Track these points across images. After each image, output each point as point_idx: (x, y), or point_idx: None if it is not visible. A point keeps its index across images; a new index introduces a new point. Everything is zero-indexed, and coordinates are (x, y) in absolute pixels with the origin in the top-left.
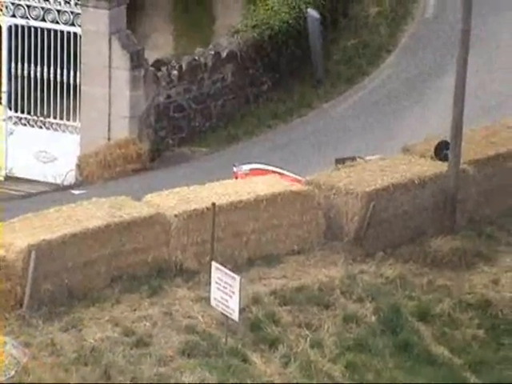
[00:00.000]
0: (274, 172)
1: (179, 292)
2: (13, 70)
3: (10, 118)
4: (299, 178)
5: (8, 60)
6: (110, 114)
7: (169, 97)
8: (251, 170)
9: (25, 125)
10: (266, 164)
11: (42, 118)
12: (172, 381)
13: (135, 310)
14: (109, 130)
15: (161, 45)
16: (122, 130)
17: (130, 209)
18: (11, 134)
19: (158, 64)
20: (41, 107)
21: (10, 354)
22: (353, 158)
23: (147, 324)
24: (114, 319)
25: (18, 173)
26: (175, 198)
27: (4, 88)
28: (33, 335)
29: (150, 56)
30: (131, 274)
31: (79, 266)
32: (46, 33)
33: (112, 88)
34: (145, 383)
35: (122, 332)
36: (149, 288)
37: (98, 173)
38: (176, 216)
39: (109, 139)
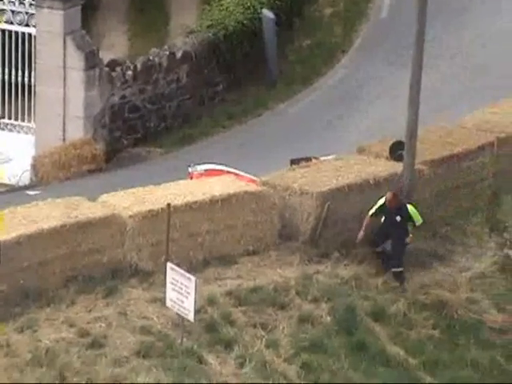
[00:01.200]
0: (229, 172)
1: (134, 293)
2: None
3: None
4: (254, 178)
5: None
6: (64, 115)
7: (123, 97)
8: (206, 170)
9: None
10: (221, 164)
11: None
12: (127, 381)
13: (90, 310)
14: (64, 130)
15: (116, 45)
16: (77, 131)
17: (85, 209)
18: None
19: (112, 64)
20: None
21: None
22: (308, 159)
23: (102, 325)
24: (69, 320)
25: None
26: (130, 198)
27: None
28: None
29: (105, 56)
30: (86, 275)
31: (34, 266)
32: (2, 33)
33: (67, 88)
34: None
35: (77, 333)
36: (104, 289)
37: (53, 173)
38: (131, 217)
39: (64, 140)
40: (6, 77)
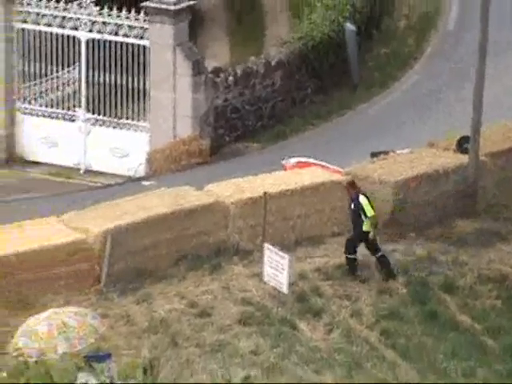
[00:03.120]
0: (316, 164)
1: (236, 269)
2: (90, 78)
3: (89, 119)
4: (339, 169)
5: (86, 69)
6: (175, 115)
7: (226, 100)
8: (297, 162)
9: (101, 125)
10: (310, 157)
11: (115, 119)
12: (231, 346)
13: (198, 285)
14: (174, 128)
15: (218, 54)
16: (186, 129)
17: (192, 197)
18: (89, 133)
19: (216, 71)
20: (115, 110)
21: (89, 325)
22: (386, 152)
23: (209, 297)
24: (180, 293)
25: (96, 167)
26: (232, 187)
27: (83, 93)
28: (109, 308)
29: (210, 64)
30: (194, 254)
31: (149, 247)
32: (118, 45)
33: (176, 92)
34: (207, 348)
35: (187, 304)
36: (210, 266)
37: (164, 166)
38: (233, 203)
39: (174, 137)
40: (124, 83)
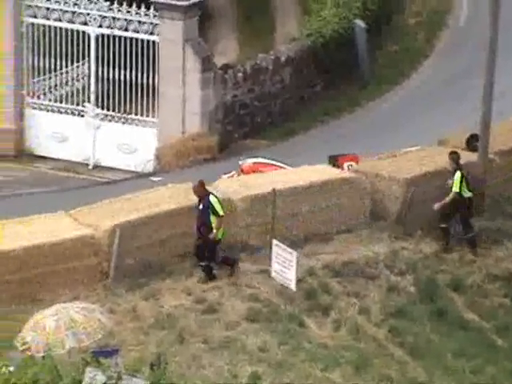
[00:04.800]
0: (274, 165)
1: (244, 266)
2: (100, 73)
3: (98, 114)
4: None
5: (95, 64)
6: (183, 111)
7: (235, 96)
8: (254, 163)
9: (110, 120)
10: (267, 158)
11: (124, 115)
12: (238, 343)
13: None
14: (183, 124)
15: (227, 51)
16: (194, 125)
17: None
18: (98, 128)
19: (225, 67)
20: (123, 105)
21: (97, 320)
22: (344, 155)
23: (216, 293)
24: (187, 289)
25: (104, 162)
26: (240, 184)
27: (92, 89)
28: (117, 303)
29: (219, 60)
30: None
31: (157, 243)
32: (128, 41)
33: (185, 88)
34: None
35: (194, 300)
36: (218, 262)
37: (173, 162)
38: (241, 200)
39: (183, 133)
40: (133, 78)
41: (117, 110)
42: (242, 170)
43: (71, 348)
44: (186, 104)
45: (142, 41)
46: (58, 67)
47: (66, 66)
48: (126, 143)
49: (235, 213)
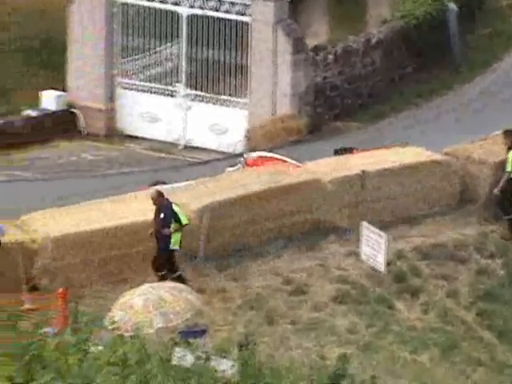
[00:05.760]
0: (277, 159)
1: (333, 247)
2: (191, 54)
3: (189, 95)
4: (299, 164)
5: (187, 45)
6: (274, 92)
7: (325, 78)
8: (258, 156)
9: (201, 101)
10: (270, 152)
11: (215, 96)
12: (326, 324)
13: (294, 262)
14: (273, 106)
15: (318, 32)
16: (285, 107)
17: (290, 175)
18: (189, 109)
19: (316, 49)
20: (214, 86)
21: (186, 300)
22: (351, 149)
23: (304, 275)
24: (276, 270)
25: (195, 143)
26: (329, 165)
27: (183, 69)
28: (205, 283)
29: (310, 42)
30: (291, 232)
31: (246, 224)
32: (219, 21)
33: (276, 70)
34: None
35: (282, 281)
36: (306, 244)
37: (263, 143)
38: (330, 181)
39: (273, 114)
40: (224, 59)
41: (207, 91)
42: (246, 163)
43: (160, 327)
44: (276, 85)
45: (234, 21)
46: (149, 47)
47: (157, 46)
48: (217, 124)
49: (325, 194)
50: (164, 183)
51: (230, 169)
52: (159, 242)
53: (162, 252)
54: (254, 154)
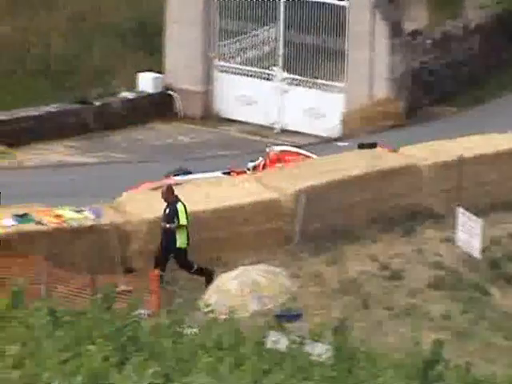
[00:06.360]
0: (300, 154)
1: (429, 233)
2: (288, 37)
3: (286, 78)
4: None
5: (284, 28)
6: (371, 77)
7: (423, 62)
8: (281, 151)
9: (297, 85)
10: (294, 147)
11: (312, 79)
12: (421, 310)
13: (391, 247)
14: (370, 90)
15: (417, 18)
16: (382, 91)
17: (387, 159)
18: (286, 92)
19: (414, 34)
20: (311, 70)
21: (281, 284)
22: (374, 144)
23: (401, 260)
24: (372, 255)
25: (291, 127)
26: (427, 150)
27: (280, 53)
28: (301, 267)
29: (408, 27)
30: (387, 217)
31: (342, 208)
32: (317, 5)
33: (374, 53)
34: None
35: (378, 266)
36: (403, 229)
37: (359, 127)
38: (427, 166)
39: (370, 98)
40: (321, 43)
41: (304, 75)
42: (269, 158)
43: (254, 311)
44: (373, 69)
45: (331, 5)
46: (247, 30)
47: (255, 30)
48: (313, 108)
49: (422, 179)
50: (189, 172)
51: (251, 164)
52: (163, 238)
53: (164, 250)
54: (277, 149)
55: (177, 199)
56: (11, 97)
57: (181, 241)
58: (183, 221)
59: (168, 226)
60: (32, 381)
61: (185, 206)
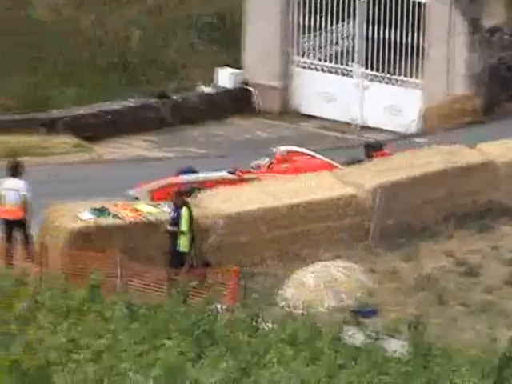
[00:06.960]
0: (307, 154)
1: (505, 229)
2: (366, 33)
3: (366, 75)
4: (331, 162)
5: (362, 24)
6: (449, 73)
7: (501, 59)
8: (288, 152)
9: (377, 81)
10: (301, 147)
11: (390, 76)
12: (498, 307)
13: (466, 244)
14: (447, 86)
15: (495, 13)
16: (459, 87)
17: (464, 156)
18: (366, 89)
19: (492, 30)
20: (388, 66)
21: (357, 279)
22: (380, 144)
23: (477, 256)
24: (448, 251)
25: (371, 123)
26: (504, 147)
27: (358, 49)
28: (377, 263)
29: (486, 23)
30: (463, 213)
31: (419, 204)
32: (395, 1)
33: (452, 50)
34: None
35: (454, 262)
36: (478, 225)
37: (437, 124)
38: (504, 163)
39: (447, 95)
40: (399, 39)
41: (382, 71)
42: (276, 158)
43: (331, 306)
44: (451, 66)
45: (410, 2)
46: (326, 26)
47: (334, 25)
48: (392, 104)
49: (499, 176)
50: (194, 172)
51: (255, 162)
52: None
53: (173, 252)
54: (283, 149)
55: (183, 203)
56: (89, 91)
57: (182, 245)
58: (183, 227)
59: (169, 228)
60: (109, 373)
61: (190, 212)
